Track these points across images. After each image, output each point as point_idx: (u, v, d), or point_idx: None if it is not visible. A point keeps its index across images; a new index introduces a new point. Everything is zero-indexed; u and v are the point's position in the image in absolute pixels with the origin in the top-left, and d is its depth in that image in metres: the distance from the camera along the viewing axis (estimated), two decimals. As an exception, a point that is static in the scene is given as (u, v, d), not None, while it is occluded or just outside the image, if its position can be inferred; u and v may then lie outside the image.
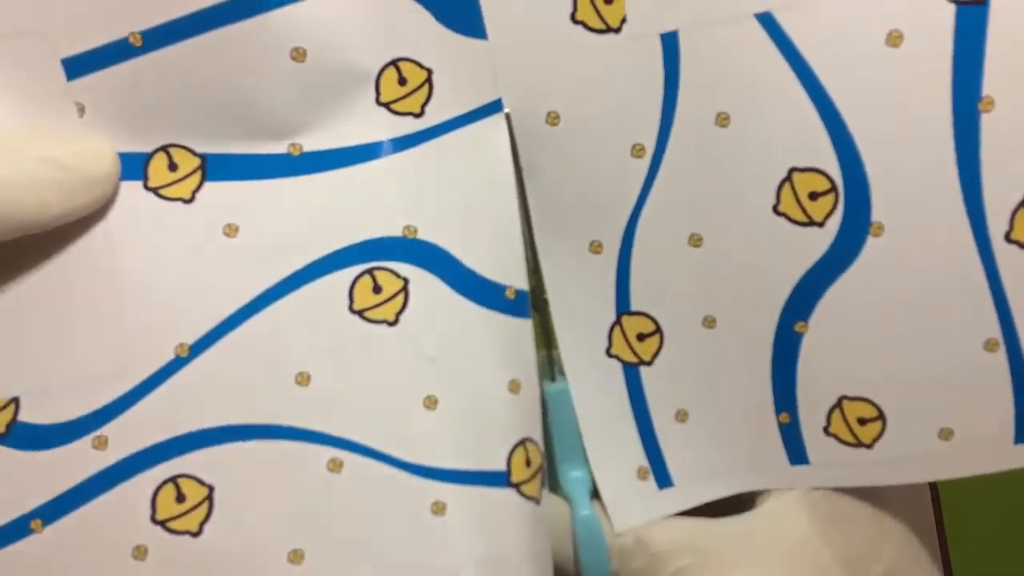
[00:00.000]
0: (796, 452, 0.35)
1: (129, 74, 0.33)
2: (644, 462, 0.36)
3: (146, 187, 0.34)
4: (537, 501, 0.35)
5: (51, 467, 0.33)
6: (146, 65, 0.33)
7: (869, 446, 0.34)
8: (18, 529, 0.33)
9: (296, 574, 0.33)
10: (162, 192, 0.34)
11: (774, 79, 0.33)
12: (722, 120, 0.34)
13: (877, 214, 0.33)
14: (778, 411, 0.35)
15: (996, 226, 0.32)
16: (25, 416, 0.33)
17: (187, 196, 0.34)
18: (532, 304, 0.35)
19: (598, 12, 0.34)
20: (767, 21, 0.33)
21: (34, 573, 0.33)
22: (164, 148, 0.34)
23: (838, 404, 0.34)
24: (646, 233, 0.35)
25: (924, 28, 0.32)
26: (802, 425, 0.35)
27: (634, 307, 0.36)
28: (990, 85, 0.31)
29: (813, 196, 0.33)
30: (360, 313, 0.34)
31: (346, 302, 0.34)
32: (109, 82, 0.33)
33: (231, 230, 0.34)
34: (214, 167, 0.34)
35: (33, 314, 0.33)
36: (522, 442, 0.34)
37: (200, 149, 0.34)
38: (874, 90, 0.32)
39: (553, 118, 0.35)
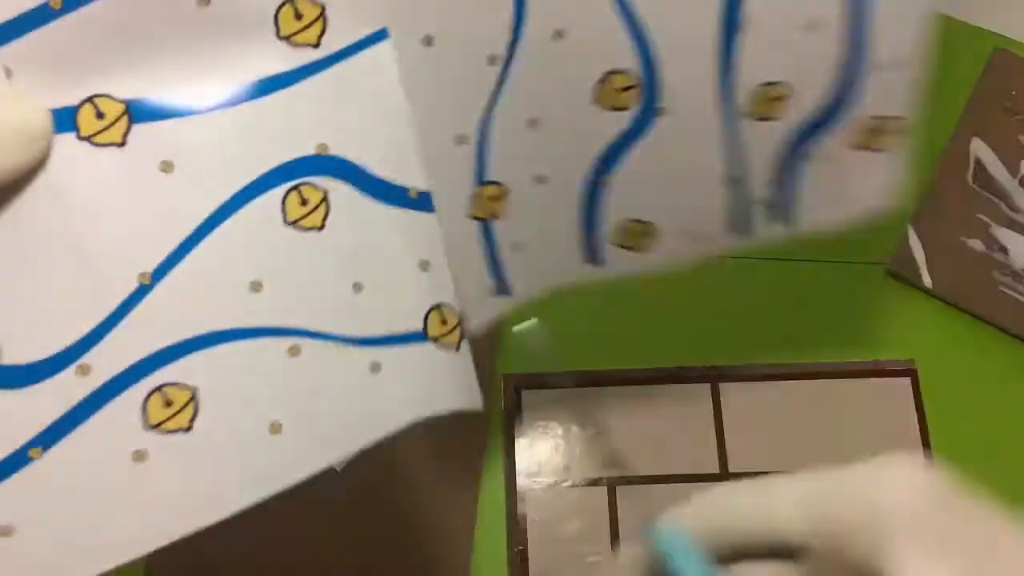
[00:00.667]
0: (593, 256, 0.49)
1: (51, 36, 0.35)
2: (491, 280, 0.48)
3: (79, 137, 0.36)
4: (455, 350, 0.42)
5: (41, 399, 0.36)
6: (67, 25, 0.35)
7: (641, 250, 0.49)
8: (18, 459, 0.36)
9: (277, 442, 0.39)
10: (95, 140, 0.36)
11: (600, 6, 0.43)
12: (557, 36, 0.43)
13: (664, 101, 0.45)
14: (582, 230, 0.48)
15: (738, 105, 0.46)
16: (7, 359, 0.36)
17: (119, 140, 0.37)
18: None
19: None
20: None
21: (41, 494, 0.36)
22: (90, 99, 0.36)
23: (623, 223, 0.48)
24: (497, 122, 0.44)
25: None
26: (597, 239, 0.49)
27: (487, 178, 0.46)
28: (746, 14, 0.43)
29: (624, 89, 0.45)
30: (293, 224, 0.40)
31: (280, 216, 0.39)
32: (33, 45, 0.35)
33: (166, 167, 0.37)
34: (138, 111, 0.37)
35: (9, 258, 0.36)
36: (436, 307, 0.42)
37: (122, 96, 0.37)
38: (668, 9, 0.43)
39: (428, 41, 0.42)
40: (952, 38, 0.74)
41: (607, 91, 0.45)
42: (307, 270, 0.40)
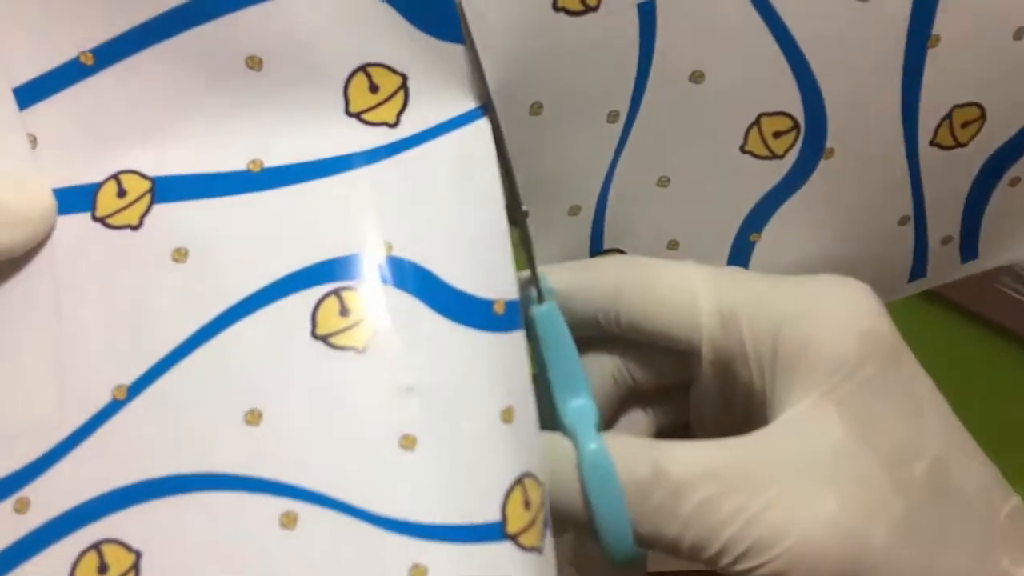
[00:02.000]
0: None
1: (82, 96, 0.30)
2: None
3: (94, 218, 0.30)
4: (539, 551, 0.28)
5: None
6: (98, 84, 0.30)
7: None
8: None
9: None
10: (109, 221, 0.30)
11: (748, 35, 0.33)
12: (696, 77, 0.34)
13: (830, 142, 0.36)
14: None
15: (924, 136, 0.36)
16: None
17: (135, 222, 0.30)
18: (510, 219, 0.31)
19: None
20: None
21: None
22: (115, 176, 0.31)
23: None
24: (619, 185, 0.36)
25: None
26: None
27: (606, 245, 0.37)
28: (940, 25, 0.34)
29: (777, 135, 0.35)
30: (324, 339, 0.29)
31: (308, 326, 0.29)
32: (62, 108, 0.30)
33: (180, 255, 0.30)
34: (164, 189, 0.30)
35: None
36: (519, 480, 0.28)
37: (151, 172, 0.30)
38: (840, 37, 0.34)
39: (536, 108, 0.33)
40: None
41: (758, 136, 0.35)
42: (333, 405, 0.29)
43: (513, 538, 0.28)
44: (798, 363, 0.31)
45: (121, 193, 0.30)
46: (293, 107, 0.31)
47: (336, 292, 0.29)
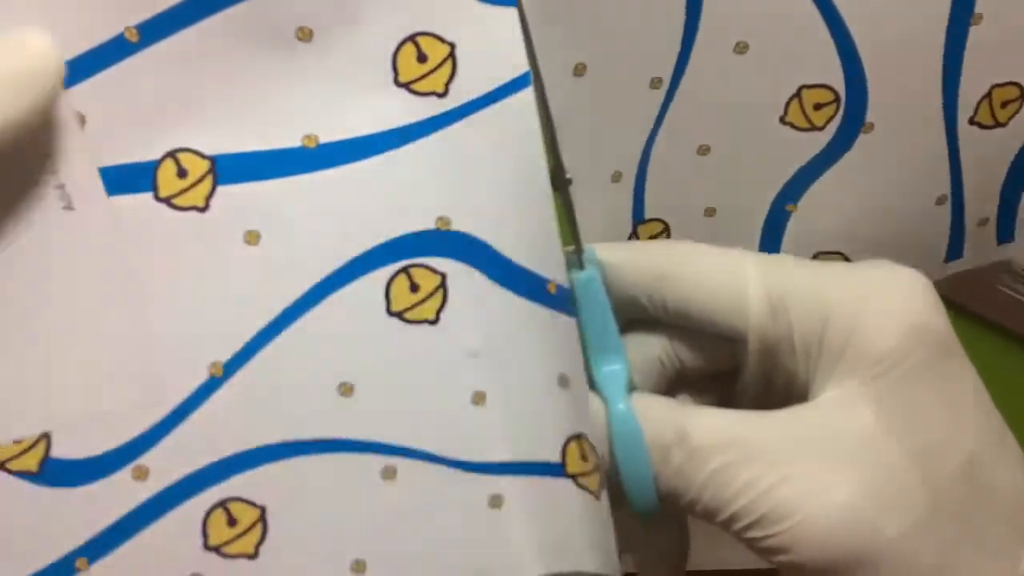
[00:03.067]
0: None
1: (129, 74, 0.29)
2: None
3: (157, 198, 0.30)
4: (597, 495, 0.32)
5: (91, 502, 0.31)
6: (145, 62, 0.29)
7: None
8: (63, 569, 0.31)
9: None
10: (175, 202, 0.31)
11: (794, 7, 0.34)
12: (741, 47, 0.34)
13: (870, 116, 0.36)
14: None
15: (963, 114, 0.37)
16: (58, 452, 0.31)
17: (201, 204, 0.31)
18: (552, 184, 0.31)
19: None
20: None
21: None
22: (171, 154, 0.30)
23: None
24: (659, 153, 0.36)
25: None
26: None
27: (647, 215, 0.38)
28: (983, 3, 0.34)
29: (817, 107, 0.36)
30: (399, 315, 0.32)
31: (383, 304, 0.32)
32: (108, 85, 0.29)
33: (252, 237, 0.31)
34: (225, 169, 0.31)
35: (59, 343, 0.30)
36: (576, 437, 0.32)
37: (209, 151, 0.30)
38: (884, 12, 0.34)
39: (580, 69, 0.34)
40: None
41: (799, 108, 0.36)
42: (413, 373, 0.33)
43: (573, 477, 0.33)
44: (842, 353, 0.31)
45: (182, 173, 0.30)
46: (343, 78, 0.30)
47: (405, 269, 0.32)
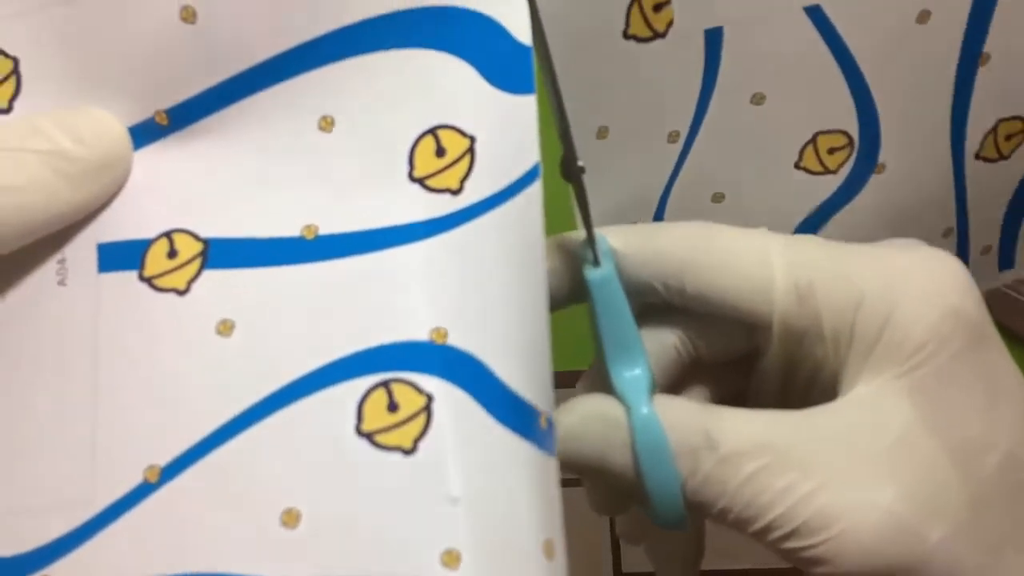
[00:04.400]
0: None
1: (153, 156, 0.29)
2: None
3: (140, 277, 0.28)
4: None
5: None
6: (170, 145, 0.29)
7: None
8: None
9: None
10: (156, 282, 0.28)
11: (810, 57, 0.34)
12: (757, 99, 0.34)
13: (882, 157, 0.36)
14: None
15: (970, 149, 0.37)
16: None
17: (181, 287, 0.28)
18: (563, 174, 0.29)
19: (647, 22, 0.32)
20: (815, 12, 0.33)
21: None
22: (167, 234, 0.29)
23: None
24: (674, 202, 0.36)
25: (948, 4, 0.34)
26: None
27: None
28: (991, 44, 0.34)
29: (832, 151, 0.36)
30: (370, 436, 0.27)
31: (353, 421, 0.27)
32: (135, 166, 0.29)
33: (225, 328, 0.28)
34: (216, 253, 0.29)
35: (23, 419, 0.28)
36: None
37: (204, 233, 0.29)
38: (900, 60, 0.34)
39: (603, 132, 0.33)
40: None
41: (814, 153, 0.36)
42: (373, 512, 0.26)
43: None
44: (875, 342, 0.29)
45: (172, 254, 0.29)
46: (357, 170, 0.29)
47: (386, 384, 0.27)
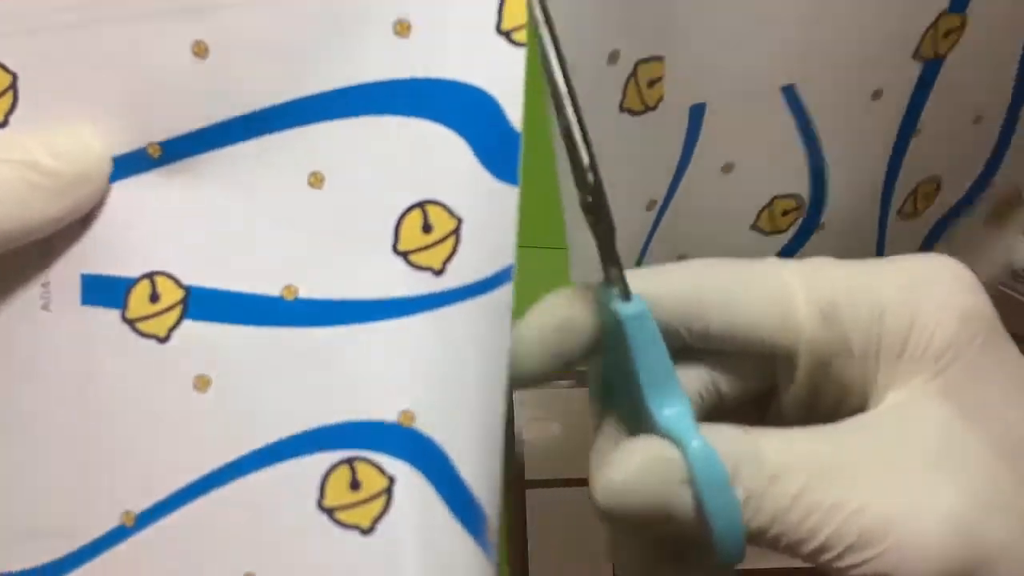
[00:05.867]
0: None
1: (140, 187, 0.29)
2: None
3: (123, 318, 0.29)
4: None
5: None
6: (158, 178, 0.29)
7: None
8: None
9: None
10: (138, 326, 0.29)
11: (780, 133, 0.36)
12: (727, 168, 0.36)
13: (825, 218, 0.39)
14: None
15: (894, 209, 0.41)
16: None
17: (162, 334, 0.29)
18: (586, 210, 0.29)
19: (641, 96, 0.33)
20: (788, 91, 0.35)
21: None
22: (150, 275, 0.29)
23: None
24: (645, 265, 0.38)
25: (897, 83, 0.37)
26: None
27: None
28: (924, 120, 0.38)
29: (785, 213, 0.39)
30: (330, 512, 0.27)
31: (315, 495, 0.28)
32: (119, 195, 0.29)
33: (202, 384, 0.29)
34: (196, 303, 0.29)
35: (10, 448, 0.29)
36: None
37: (186, 280, 0.29)
38: (852, 131, 0.37)
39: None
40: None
41: (767, 216, 0.38)
42: None
43: None
44: (902, 350, 0.29)
45: (154, 298, 0.29)
46: (342, 234, 0.28)
47: (350, 461, 0.28)
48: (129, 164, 0.29)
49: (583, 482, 0.47)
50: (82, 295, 0.29)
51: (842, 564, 0.27)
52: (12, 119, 0.28)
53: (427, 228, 0.28)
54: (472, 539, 0.27)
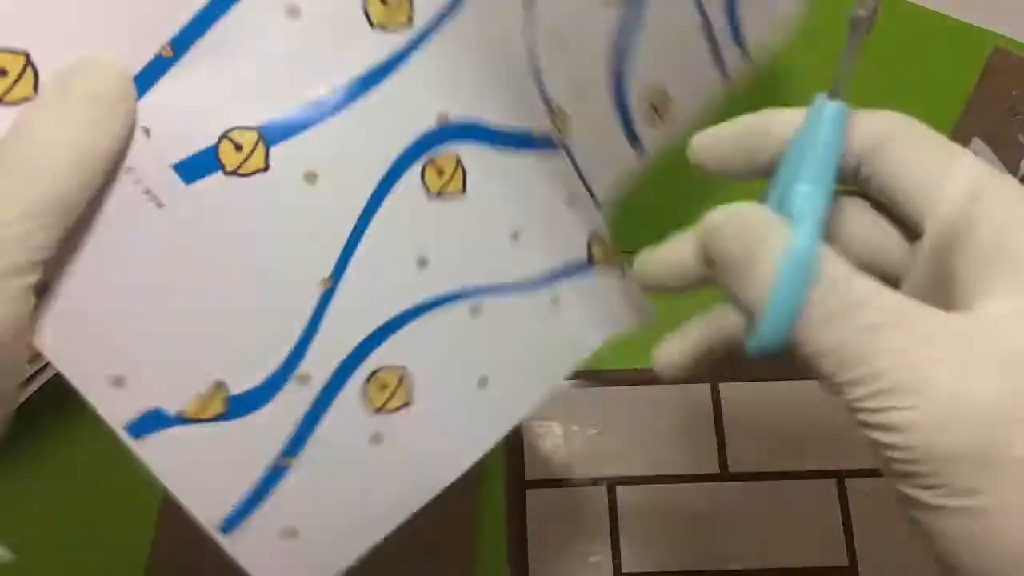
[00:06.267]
0: (633, 139, 0.52)
1: (173, 82, 0.35)
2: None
3: (225, 173, 0.36)
4: (621, 270, 0.43)
5: (276, 414, 0.38)
6: (182, 70, 0.35)
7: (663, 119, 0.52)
8: (278, 471, 0.39)
9: (488, 394, 0.42)
10: (240, 171, 0.36)
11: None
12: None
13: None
14: (619, 117, 0.51)
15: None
16: (235, 390, 0.37)
17: (263, 166, 0.36)
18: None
19: None
20: None
21: (306, 494, 0.39)
22: (225, 135, 0.36)
23: (645, 97, 0.52)
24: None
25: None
26: (633, 122, 0.51)
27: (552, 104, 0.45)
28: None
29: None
30: (438, 195, 0.40)
31: (423, 192, 0.40)
32: (160, 97, 0.34)
33: (311, 178, 0.37)
34: (270, 133, 0.36)
35: (205, 303, 0.37)
36: (593, 234, 0.43)
37: (254, 123, 0.36)
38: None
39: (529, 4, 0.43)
40: (952, 38, 0.75)
41: None
42: (463, 234, 0.41)
43: (600, 264, 0.43)
44: (1020, 264, 0.29)
45: (238, 148, 0.36)
46: (332, 37, 0.37)
47: (430, 161, 0.40)
48: (154, 71, 0.34)
49: (583, 482, 0.51)
50: (183, 179, 0.35)
51: (870, 404, 0.28)
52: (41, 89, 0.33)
53: (384, 1, 0.38)
54: (526, 152, 0.43)
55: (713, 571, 0.60)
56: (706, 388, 0.67)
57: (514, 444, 0.65)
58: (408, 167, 0.39)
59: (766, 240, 0.30)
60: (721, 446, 0.66)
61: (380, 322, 0.40)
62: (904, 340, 0.28)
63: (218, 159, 0.36)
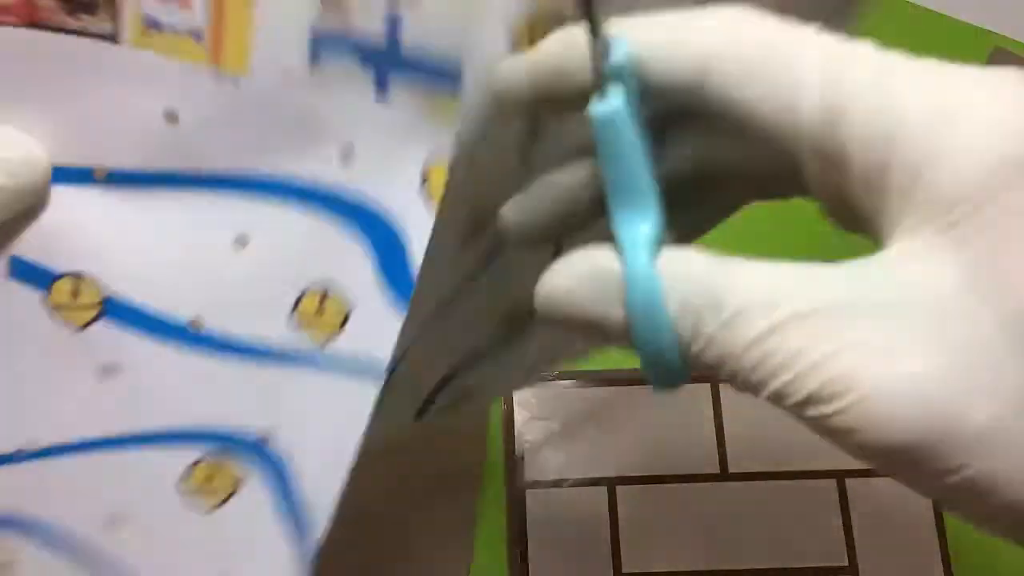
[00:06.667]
0: None
1: (79, 198, 0.33)
2: None
3: (43, 301, 0.34)
4: None
5: None
6: (97, 197, 0.33)
7: None
8: None
9: None
10: (56, 314, 0.34)
11: None
12: None
13: None
14: None
15: None
16: None
17: (79, 324, 0.34)
18: None
19: None
20: None
21: None
22: (75, 273, 0.33)
23: None
24: None
25: None
26: None
27: None
28: None
29: None
30: (185, 493, 0.34)
31: (176, 480, 0.34)
32: (59, 200, 0.33)
33: (107, 372, 0.34)
34: (113, 309, 0.34)
35: None
36: None
37: (107, 287, 0.34)
38: None
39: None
40: (952, 38, 0.74)
41: None
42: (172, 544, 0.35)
43: None
44: (912, 187, 0.24)
45: (75, 293, 0.33)
46: (252, 291, 0.34)
47: (210, 459, 0.34)
48: (73, 175, 0.33)
49: (584, 483, 0.51)
50: (10, 270, 0.33)
51: (806, 414, 0.24)
52: None
53: (321, 311, 0.32)
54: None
55: (713, 571, 0.61)
56: (706, 388, 0.67)
57: (514, 445, 0.65)
58: (188, 444, 0.34)
59: (609, 294, 0.27)
60: (721, 446, 0.65)
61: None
62: (801, 336, 0.24)
63: (51, 285, 0.34)
